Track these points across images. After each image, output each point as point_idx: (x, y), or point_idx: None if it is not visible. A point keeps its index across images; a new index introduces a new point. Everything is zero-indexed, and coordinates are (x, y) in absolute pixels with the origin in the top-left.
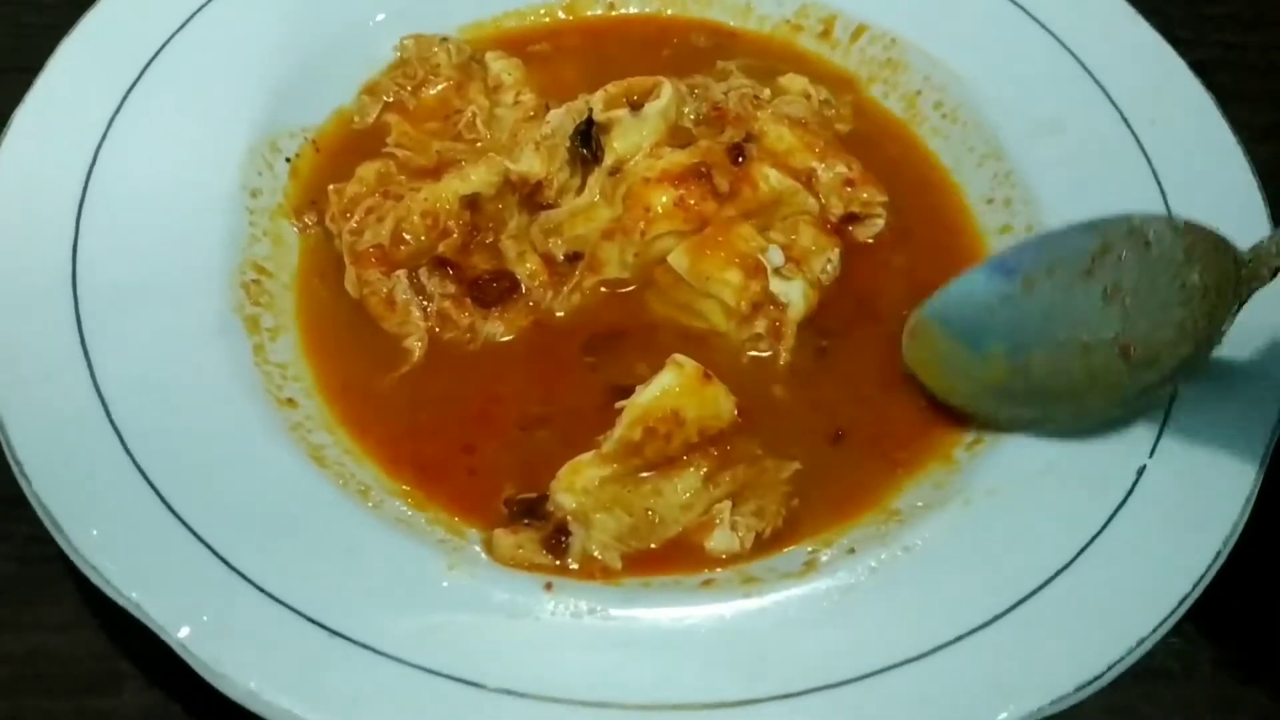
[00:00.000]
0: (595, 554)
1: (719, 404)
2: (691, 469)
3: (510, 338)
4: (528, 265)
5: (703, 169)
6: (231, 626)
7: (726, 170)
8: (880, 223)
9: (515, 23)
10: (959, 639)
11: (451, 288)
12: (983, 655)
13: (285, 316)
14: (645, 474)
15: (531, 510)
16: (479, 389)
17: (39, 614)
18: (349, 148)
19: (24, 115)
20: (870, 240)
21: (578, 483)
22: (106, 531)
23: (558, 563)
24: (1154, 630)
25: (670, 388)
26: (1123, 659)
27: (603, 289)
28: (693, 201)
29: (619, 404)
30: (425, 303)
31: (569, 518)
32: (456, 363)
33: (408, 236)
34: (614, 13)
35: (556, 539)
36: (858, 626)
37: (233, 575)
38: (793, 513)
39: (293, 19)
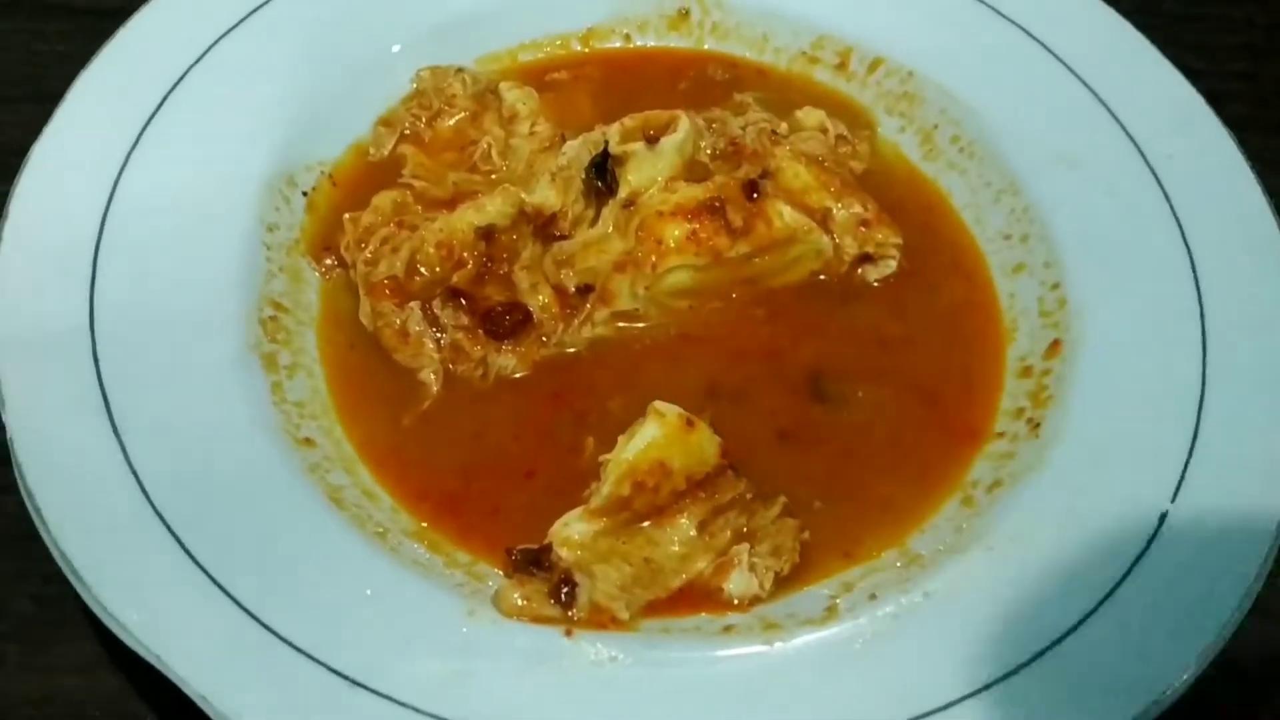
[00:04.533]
0: (603, 604)
1: (704, 449)
2: (683, 518)
3: (524, 373)
4: (540, 297)
5: (716, 204)
6: (252, 677)
7: (741, 206)
8: (894, 264)
9: (532, 54)
10: (982, 689)
11: (465, 319)
12: (1005, 708)
13: (303, 354)
14: (639, 524)
15: (536, 560)
16: (497, 425)
17: (56, 655)
18: (365, 181)
19: (42, 149)
20: (878, 283)
21: (572, 537)
22: (125, 579)
23: (566, 613)
24: (1182, 680)
25: (655, 439)
26: (1150, 708)
27: (616, 323)
28: (705, 236)
29: (602, 458)
30: (439, 334)
31: (572, 569)
32: (475, 398)
33: (422, 268)
34: (631, 45)
35: (562, 590)
36: (880, 675)
37: (253, 623)
38: (805, 547)
39: (308, 53)
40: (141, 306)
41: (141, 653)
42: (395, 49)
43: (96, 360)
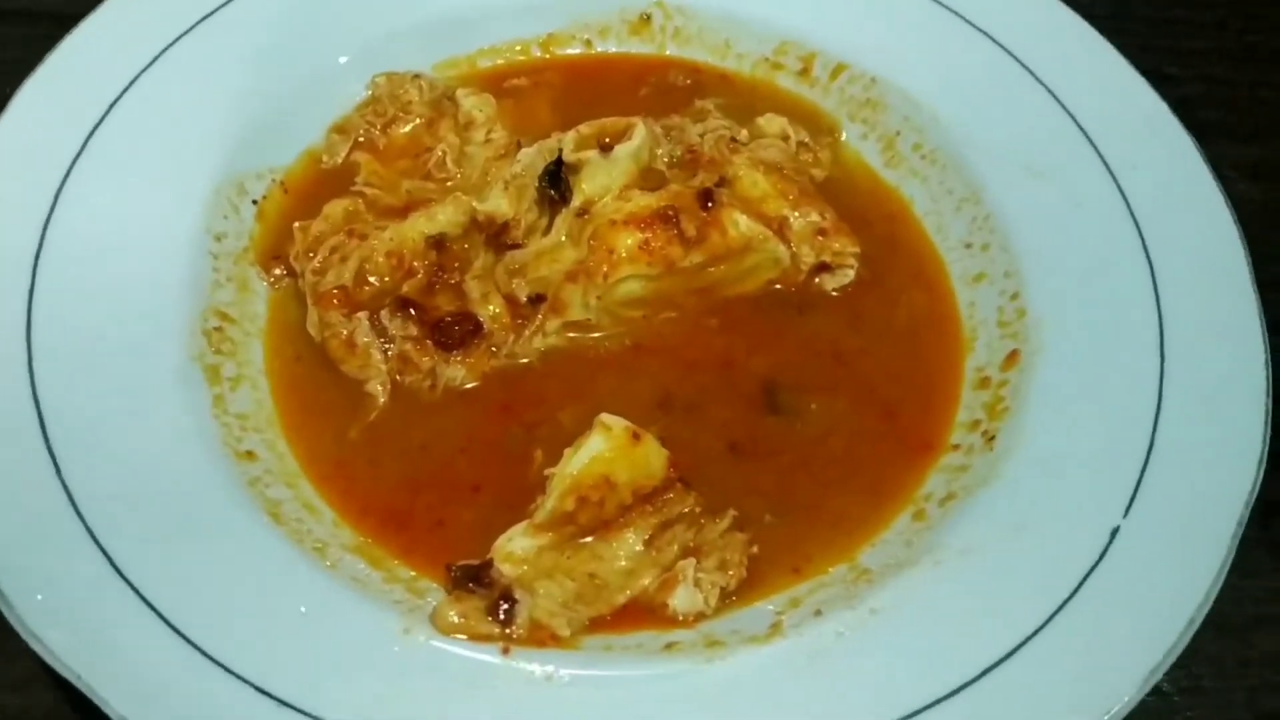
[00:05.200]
0: (543, 621)
1: (650, 463)
2: (630, 532)
3: (474, 384)
4: (491, 307)
5: (670, 213)
6: (178, 700)
7: (695, 215)
8: (851, 273)
9: (491, 60)
10: (926, 708)
11: (413, 329)
12: None
13: (248, 366)
14: (583, 540)
15: (476, 577)
16: (444, 438)
17: None
18: (318, 189)
19: None
20: (836, 292)
21: (515, 552)
22: (51, 597)
23: (504, 631)
24: (1124, 701)
25: (600, 453)
26: None
27: (567, 333)
28: (658, 245)
29: (548, 471)
30: (386, 345)
31: (513, 585)
32: (422, 410)
33: (372, 277)
34: (592, 51)
35: (501, 606)
36: (821, 694)
37: (181, 642)
38: (754, 561)
39: (262, 59)
40: (81, 317)
41: (63, 672)
42: (351, 55)
43: (31, 371)
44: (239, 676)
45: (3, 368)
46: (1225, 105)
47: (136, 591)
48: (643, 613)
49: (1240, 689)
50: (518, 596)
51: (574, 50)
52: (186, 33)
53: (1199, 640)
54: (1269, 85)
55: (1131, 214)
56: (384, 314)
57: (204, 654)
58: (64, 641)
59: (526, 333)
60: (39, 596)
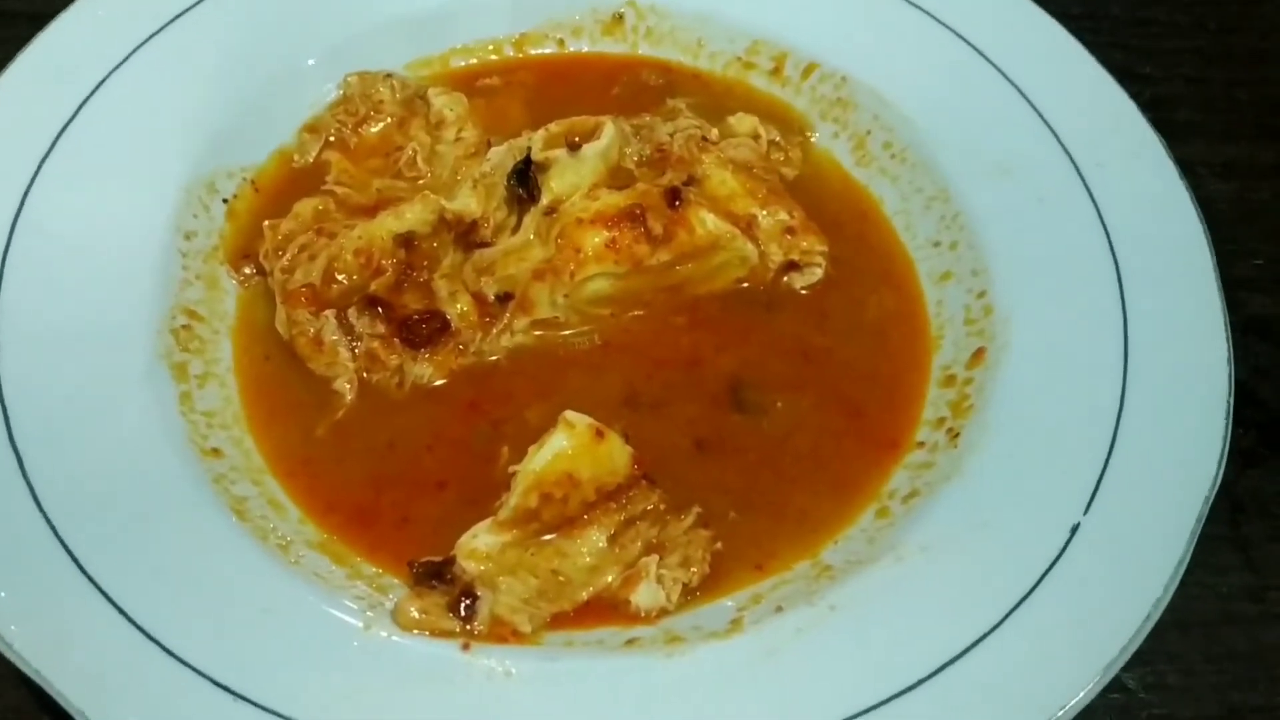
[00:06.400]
0: (505, 617)
1: (614, 459)
2: (594, 529)
3: (441, 382)
4: (459, 305)
5: (637, 211)
6: (137, 694)
7: (662, 213)
8: (819, 272)
9: (464, 59)
10: (882, 703)
11: (381, 327)
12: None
13: (216, 364)
14: (547, 536)
15: (438, 573)
16: (410, 435)
17: None
18: (289, 188)
19: None
20: (805, 290)
21: (479, 549)
22: (12, 592)
23: (466, 627)
24: (1082, 695)
25: (563, 450)
26: None
27: (535, 331)
28: (624, 244)
29: (513, 469)
30: (354, 343)
31: (475, 582)
32: (390, 408)
33: (340, 275)
34: (564, 50)
35: (462, 603)
36: (780, 690)
37: (141, 637)
38: (718, 558)
39: (233, 58)
40: (48, 314)
41: (22, 667)
42: (323, 54)
43: None
44: (200, 672)
45: None
46: (1201, 104)
47: (99, 588)
48: (605, 609)
49: (1206, 685)
50: (479, 593)
51: (547, 50)
52: (159, 31)
53: (1166, 637)
54: (1244, 85)
55: (1098, 212)
56: (352, 312)
57: (165, 649)
58: (24, 637)
59: (494, 331)
60: (1, 593)
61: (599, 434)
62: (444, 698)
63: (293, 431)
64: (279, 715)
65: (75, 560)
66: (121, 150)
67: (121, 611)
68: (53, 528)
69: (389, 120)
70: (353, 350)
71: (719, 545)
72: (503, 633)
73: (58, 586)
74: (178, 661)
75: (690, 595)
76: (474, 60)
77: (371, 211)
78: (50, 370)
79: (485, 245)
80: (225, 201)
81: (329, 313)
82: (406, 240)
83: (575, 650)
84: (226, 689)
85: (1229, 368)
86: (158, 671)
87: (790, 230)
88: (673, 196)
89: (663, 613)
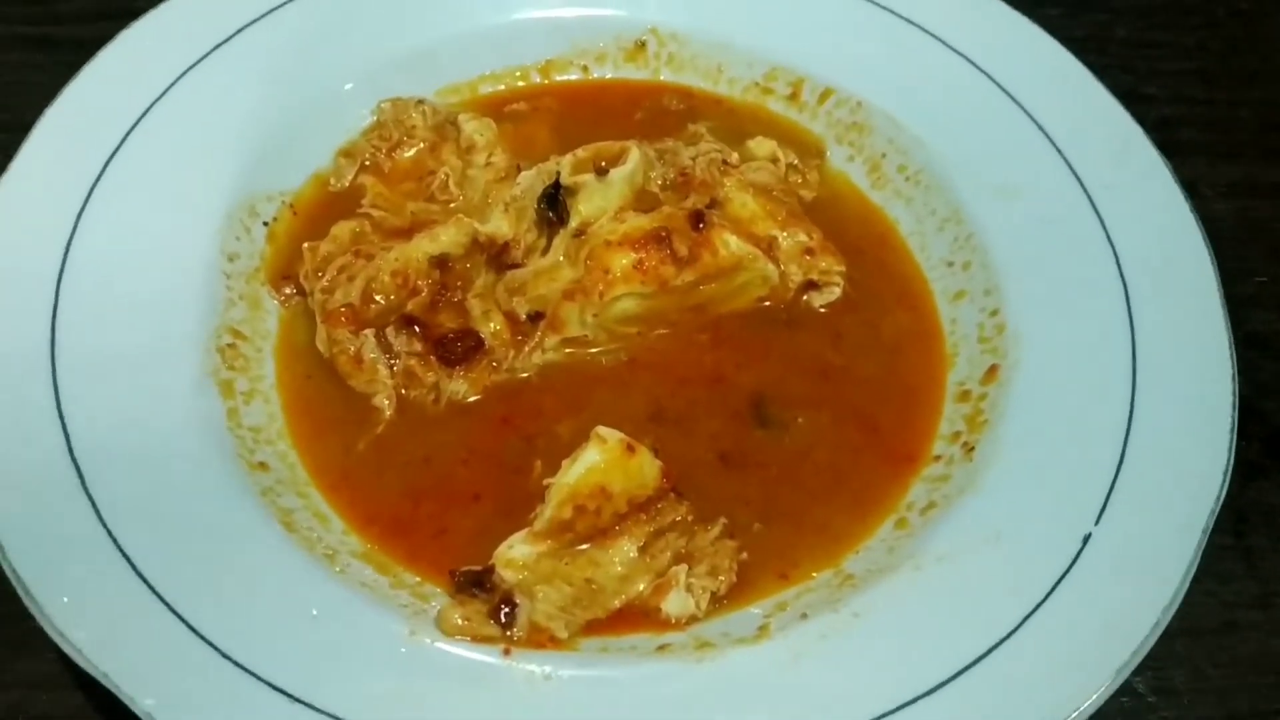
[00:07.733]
0: (542, 624)
1: (644, 473)
2: (625, 540)
3: (476, 398)
4: (492, 324)
5: (663, 234)
6: (198, 695)
7: (686, 236)
8: (838, 291)
9: (492, 86)
10: (903, 706)
11: (418, 346)
12: None
13: (260, 381)
14: (581, 546)
15: (478, 582)
16: (446, 449)
17: (20, 670)
18: (326, 211)
19: (7, 180)
20: (823, 309)
21: (516, 558)
22: (77, 599)
23: (506, 633)
24: (1094, 699)
25: (596, 464)
26: None
27: (565, 349)
28: (651, 265)
29: (546, 481)
30: (392, 361)
31: (513, 590)
32: (427, 423)
33: (378, 296)
34: (589, 76)
35: (502, 610)
36: (806, 693)
37: (199, 642)
38: (744, 567)
39: (272, 86)
40: (101, 334)
41: (89, 669)
42: (356, 81)
43: (56, 387)
44: (254, 674)
45: (29, 384)
46: (1204, 125)
47: (157, 594)
48: (637, 616)
49: (1212, 690)
50: (518, 600)
51: (572, 76)
52: (200, 61)
53: (1174, 644)
54: (1246, 105)
55: (1106, 233)
56: (390, 331)
57: (221, 653)
58: (89, 641)
59: (526, 348)
60: (65, 599)
61: (630, 448)
62: (487, 700)
63: (334, 446)
64: (333, 716)
65: (135, 569)
66: (168, 176)
67: (180, 617)
68: (114, 539)
69: (421, 145)
70: (391, 368)
71: (745, 555)
72: (541, 638)
73: (120, 594)
74: (235, 665)
75: (718, 603)
76: (502, 86)
77: (406, 234)
78: (106, 389)
79: (516, 266)
80: (265, 224)
81: (368, 332)
82: (441, 261)
83: (610, 655)
84: (282, 691)
85: (1233, 383)
86: (215, 674)
87: (809, 251)
88: (697, 219)
89: (692, 620)
